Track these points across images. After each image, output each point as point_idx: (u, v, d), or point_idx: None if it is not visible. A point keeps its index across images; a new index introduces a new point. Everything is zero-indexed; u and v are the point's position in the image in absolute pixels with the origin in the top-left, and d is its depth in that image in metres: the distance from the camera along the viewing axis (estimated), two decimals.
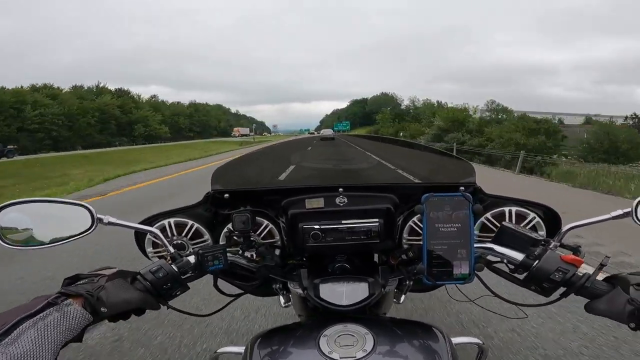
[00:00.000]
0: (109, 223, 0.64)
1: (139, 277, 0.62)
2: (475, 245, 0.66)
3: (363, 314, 0.75)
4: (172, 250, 0.67)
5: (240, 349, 0.96)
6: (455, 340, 0.73)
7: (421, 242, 0.84)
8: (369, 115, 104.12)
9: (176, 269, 0.64)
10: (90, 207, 0.63)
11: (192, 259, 0.67)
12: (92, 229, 0.63)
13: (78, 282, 0.57)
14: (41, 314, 0.47)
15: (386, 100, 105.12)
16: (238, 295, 0.88)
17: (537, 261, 0.63)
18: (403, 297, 0.95)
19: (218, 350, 0.99)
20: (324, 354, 0.59)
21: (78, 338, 0.51)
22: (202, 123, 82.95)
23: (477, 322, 2.22)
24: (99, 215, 0.63)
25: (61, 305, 0.50)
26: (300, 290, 0.81)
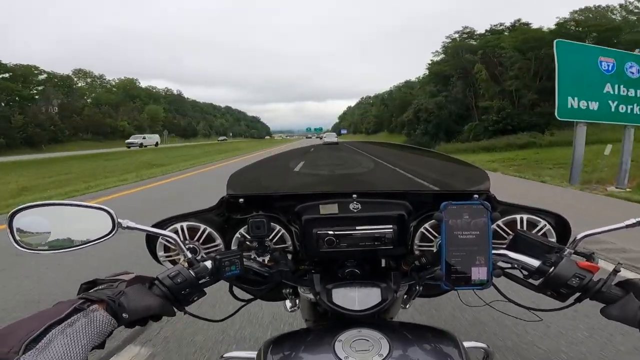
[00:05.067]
0: (127, 227, 0.64)
1: (156, 282, 0.61)
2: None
3: (373, 319, 0.75)
4: (189, 255, 0.67)
5: (248, 354, 0.95)
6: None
7: (433, 249, 0.85)
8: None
9: (194, 274, 0.63)
10: (111, 211, 0.62)
11: (209, 264, 0.66)
12: (112, 234, 0.62)
13: (97, 288, 0.57)
14: (69, 320, 0.47)
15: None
16: (249, 301, 0.87)
17: (553, 267, 0.64)
18: (410, 302, 0.95)
19: (224, 355, 0.98)
20: (340, 359, 0.59)
21: (101, 344, 0.50)
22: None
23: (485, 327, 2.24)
24: (118, 220, 0.63)
25: (87, 311, 0.50)
26: (311, 296, 0.81)
